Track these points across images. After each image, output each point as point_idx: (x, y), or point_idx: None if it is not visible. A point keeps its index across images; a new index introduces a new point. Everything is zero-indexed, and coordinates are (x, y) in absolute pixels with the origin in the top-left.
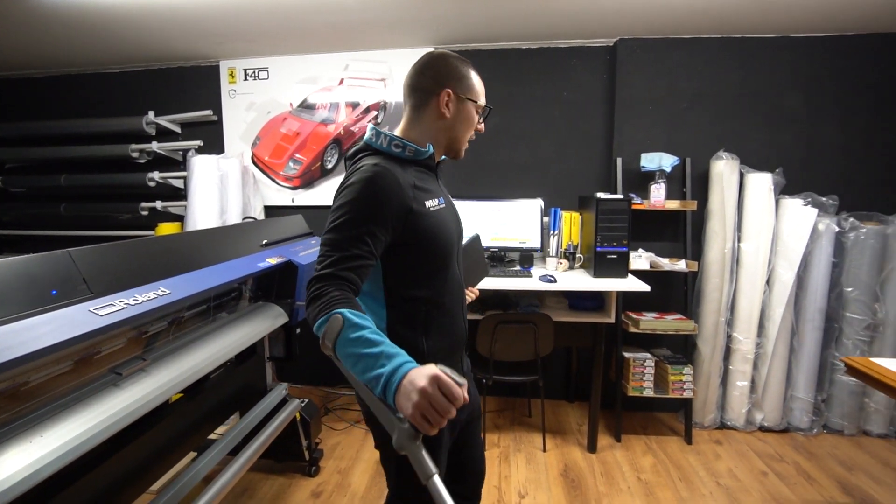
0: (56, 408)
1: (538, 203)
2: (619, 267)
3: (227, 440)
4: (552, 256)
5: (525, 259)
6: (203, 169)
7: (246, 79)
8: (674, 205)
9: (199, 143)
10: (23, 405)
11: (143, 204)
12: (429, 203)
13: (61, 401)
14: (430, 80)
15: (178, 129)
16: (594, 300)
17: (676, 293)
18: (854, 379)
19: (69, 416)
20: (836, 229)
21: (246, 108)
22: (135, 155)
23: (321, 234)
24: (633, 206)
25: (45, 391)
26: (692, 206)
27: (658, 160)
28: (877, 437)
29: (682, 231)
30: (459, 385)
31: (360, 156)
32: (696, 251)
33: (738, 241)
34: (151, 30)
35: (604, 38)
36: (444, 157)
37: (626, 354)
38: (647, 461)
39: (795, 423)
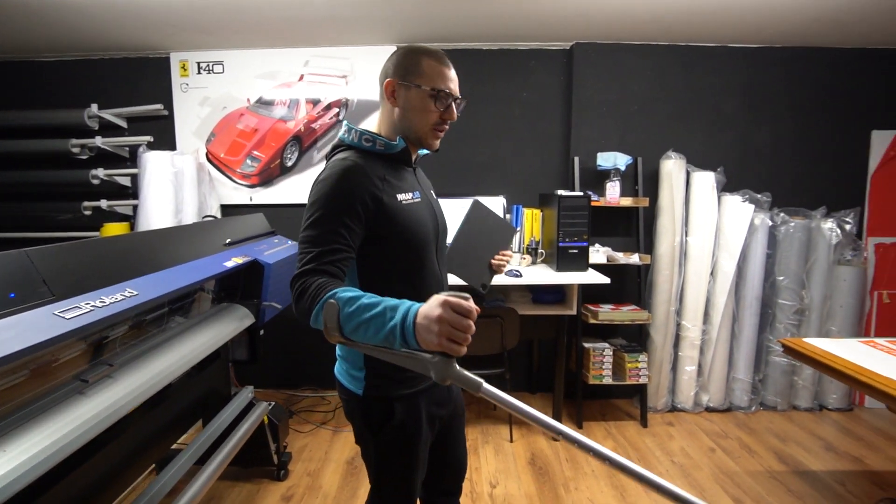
0: (18, 419)
1: (500, 200)
2: (580, 261)
3: (193, 450)
4: (515, 252)
5: None
6: (156, 166)
7: (199, 72)
8: (627, 202)
9: (148, 138)
10: None
11: (86, 203)
12: (401, 196)
13: (24, 411)
14: (382, 73)
15: (123, 124)
16: (556, 293)
17: (631, 285)
18: (787, 359)
19: (35, 427)
20: (770, 223)
21: (199, 102)
22: (76, 150)
23: (298, 232)
24: (593, 203)
25: (3, 402)
26: (644, 202)
27: (613, 159)
28: (804, 411)
29: (635, 226)
30: (466, 300)
31: (334, 152)
32: (648, 245)
33: (686, 235)
34: (93, 16)
35: (561, 41)
36: (424, 151)
37: (586, 345)
38: (608, 445)
39: (737, 402)
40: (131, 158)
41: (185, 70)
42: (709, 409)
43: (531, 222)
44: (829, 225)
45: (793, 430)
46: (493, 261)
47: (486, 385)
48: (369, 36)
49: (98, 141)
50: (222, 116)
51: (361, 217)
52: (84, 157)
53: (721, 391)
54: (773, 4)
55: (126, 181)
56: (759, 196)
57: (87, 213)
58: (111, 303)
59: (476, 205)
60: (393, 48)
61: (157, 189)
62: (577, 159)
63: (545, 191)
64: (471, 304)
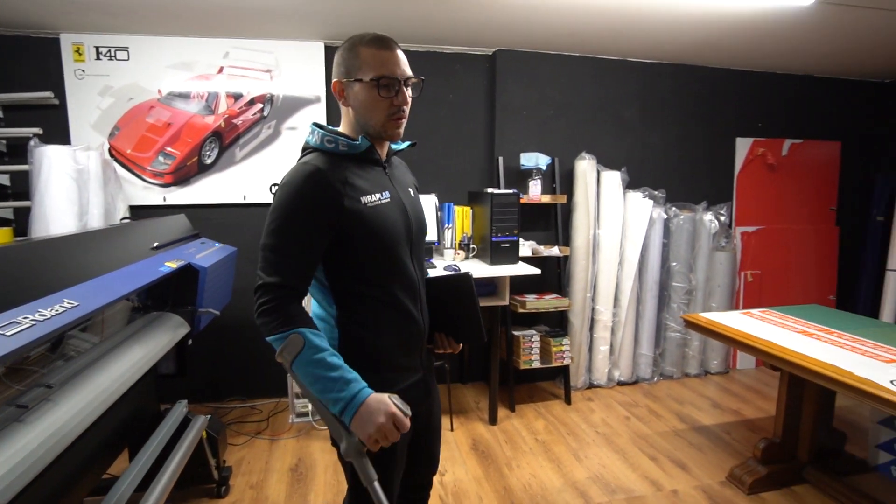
0: None
1: (433, 198)
2: (512, 254)
3: (127, 483)
4: (449, 248)
5: (426, 252)
6: (55, 163)
7: (99, 58)
8: (547, 199)
9: (37, 130)
10: None
11: None
12: (366, 198)
13: None
14: (332, 76)
15: None
16: (489, 286)
17: (551, 275)
18: (680, 334)
19: None
20: (665, 217)
21: (100, 92)
22: None
23: (223, 235)
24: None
25: None
26: (562, 199)
27: (535, 160)
28: (694, 377)
29: (553, 221)
30: (406, 415)
31: (301, 155)
32: (566, 238)
33: (598, 228)
34: None
35: (484, 47)
36: (400, 146)
37: (516, 333)
38: (540, 424)
39: (642, 374)
40: (11, 153)
41: (80, 55)
42: (620, 383)
43: (462, 219)
44: (709, 217)
45: (687, 393)
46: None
47: (377, 483)
48: (295, 30)
49: None
50: (128, 108)
51: (323, 223)
52: None
53: (629, 366)
54: (665, 28)
55: (5, 179)
56: (656, 193)
57: None
58: (52, 315)
59: (462, 278)
60: (320, 44)
61: (56, 189)
62: (501, 159)
63: (473, 189)
64: (407, 422)
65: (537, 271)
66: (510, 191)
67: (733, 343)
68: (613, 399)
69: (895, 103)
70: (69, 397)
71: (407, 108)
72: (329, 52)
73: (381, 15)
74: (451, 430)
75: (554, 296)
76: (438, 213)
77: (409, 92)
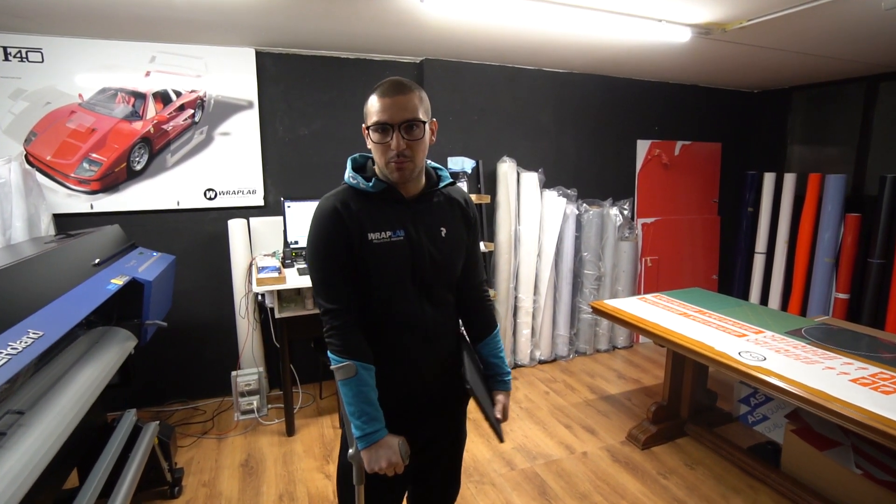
0: None
1: None
2: None
3: (87, 498)
4: None
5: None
6: None
7: (8, 59)
8: (473, 199)
9: None
10: None
11: None
12: (373, 234)
13: None
14: None
15: None
16: None
17: None
18: (591, 315)
19: None
20: (577, 212)
21: (11, 95)
22: None
23: (159, 241)
24: None
25: None
26: (486, 199)
27: (461, 163)
28: (604, 353)
29: (480, 219)
30: (405, 460)
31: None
32: (490, 234)
33: (519, 224)
34: None
35: (412, 55)
36: (434, 188)
37: None
38: (471, 404)
39: (560, 353)
40: None
41: None
42: (541, 362)
43: None
44: (614, 211)
45: (598, 367)
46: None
47: (361, 487)
48: (225, 38)
49: None
50: (46, 113)
51: (343, 253)
52: None
53: (549, 346)
54: (571, 49)
55: None
56: (569, 191)
57: None
58: (24, 348)
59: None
60: (251, 50)
61: None
62: (428, 163)
63: None
64: (402, 467)
65: None
66: None
67: (631, 327)
68: (535, 377)
69: (761, 111)
70: (40, 421)
71: (410, 152)
72: (260, 58)
73: (309, 28)
74: None
75: None
76: None
77: (406, 135)
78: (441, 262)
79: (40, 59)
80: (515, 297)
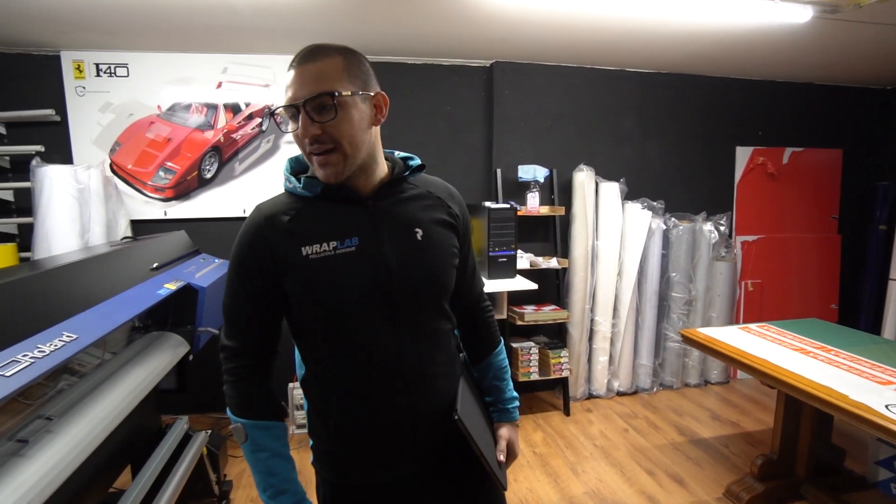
0: None
1: None
2: (509, 268)
3: (132, 499)
4: None
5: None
6: (57, 182)
7: (99, 75)
8: (546, 210)
9: (38, 147)
10: None
11: None
12: (307, 248)
13: None
14: None
15: (2, 130)
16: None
17: (550, 287)
18: (679, 344)
19: None
20: (664, 227)
21: (100, 108)
22: None
23: (223, 249)
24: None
25: None
26: (560, 211)
27: (533, 172)
28: (694, 387)
29: (552, 233)
30: None
31: None
32: (564, 250)
33: (597, 239)
34: None
35: (481, 59)
36: (400, 177)
37: (514, 345)
38: (538, 436)
39: (642, 385)
40: (15, 170)
41: (80, 72)
42: (619, 394)
43: None
44: (708, 227)
45: (686, 404)
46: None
47: None
48: (292, 46)
49: None
50: (129, 124)
51: (255, 278)
52: None
53: (629, 376)
54: (661, 41)
55: (8, 195)
56: (654, 203)
57: None
58: (52, 351)
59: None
60: None
61: (58, 208)
62: (499, 171)
63: (470, 201)
64: None
65: (534, 286)
66: (506, 205)
67: (730, 361)
68: (612, 410)
69: None
70: (69, 428)
71: (329, 137)
72: None
73: (376, 30)
74: None
75: (552, 307)
76: None
77: (316, 116)
78: (419, 276)
79: (126, 74)
80: (592, 320)
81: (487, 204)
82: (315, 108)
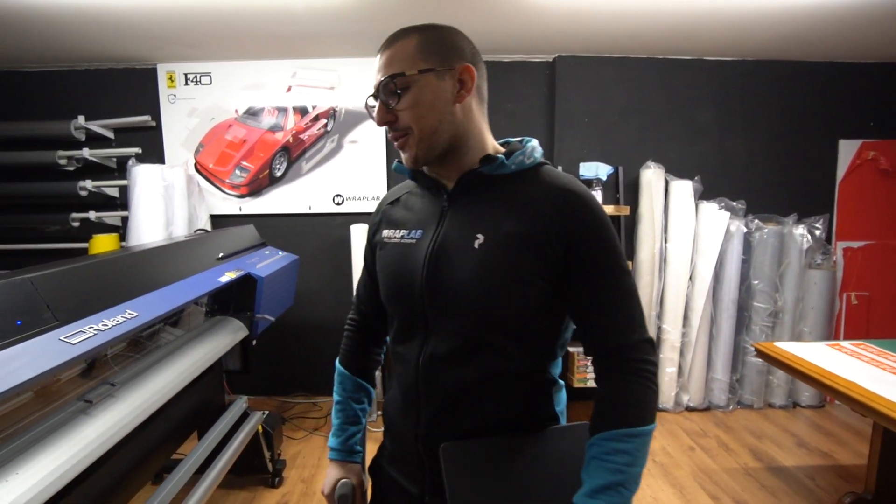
0: (27, 442)
1: None
2: None
3: (191, 462)
4: None
5: None
6: (147, 179)
7: (187, 83)
8: (609, 210)
9: (136, 150)
10: None
11: (74, 214)
12: (388, 231)
13: (31, 434)
14: None
15: (111, 135)
16: None
17: None
18: (762, 360)
19: (43, 449)
20: (745, 230)
21: (188, 113)
22: (62, 162)
23: (287, 242)
24: None
25: (9, 423)
26: (625, 210)
27: (595, 169)
28: (779, 409)
29: (616, 234)
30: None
31: None
32: (629, 252)
33: (666, 241)
34: (76, 29)
35: (543, 54)
36: (473, 170)
37: (571, 349)
38: None
39: (715, 401)
40: (119, 169)
41: (172, 81)
42: (689, 409)
43: None
44: (800, 231)
45: (768, 427)
46: None
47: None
48: (356, 49)
49: (85, 152)
50: (211, 127)
51: (369, 251)
52: (71, 169)
53: (700, 391)
54: (742, 25)
55: (114, 192)
56: (734, 203)
57: (76, 224)
58: (113, 325)
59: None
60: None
61: (147, 203)
62: (560, 169)
63: None
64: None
65: None
66: None
67: (810, 381)
68: (679, 425)
69: None
70: (129, 394)
71: (401, 122)
72: None
73: None
74: None
75: None
76: None
77: (387, 100)
78: (451, 288)
79: (209, 82)
80: (659, 328)
81: None
82: (386, 93)
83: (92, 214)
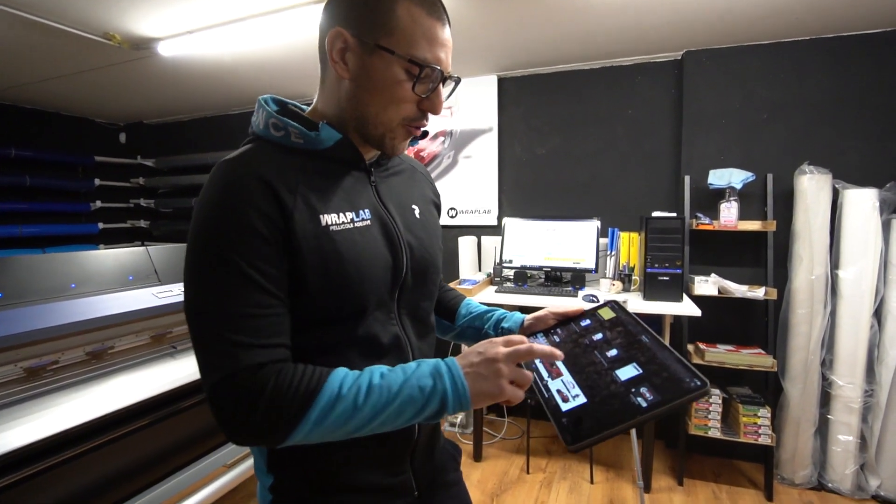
0: (135, 365)
1: (595, 224)
2: (673, 290)
3: None
4: (606, 278)
5: (577, 279)
6: None
7: None
8: (751, 225)
9: None
10: (111, 362)
11: None
12: (329, 217)
13: (138, 360)
14: (325, 17)
15: None
16: (652, 325)
17: (757, 325)
18: None
19: (146, 371)
20: None
21: None
22: None
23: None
24: (702, 227)
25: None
26: (771, 226)
27: (727, 177)
28: None
29: (763, 255)
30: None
31: (242, 144)
32: (780, 277)
33: (834, 266)
34: (255, 75)
35: (669, 51)
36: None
37: (723, 395)
38: None
39: None
40: None
41: None
42: (878, 498)
43: (627, 247)
44: None
45: None
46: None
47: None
48: (468, 67)
49: None
50: None
51: (272, 244)
52: None
53: (895, 474)
54: None
55: None
56: None
57: None
58: None
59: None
60: (493, 77)
61: None
62: (687, 178)
63: (649, 213)
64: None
65: (697, 312)
66: (671, 214)
67: None
68: None
69: None
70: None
71: (428, 122)
72: (502, 83)
73: (552, 36)
74: (591, 482)
75: (756, 350)
76: (602, 238)
77: (445, 94)
78: (426, 256)
79: None
80: (824, 379)
81: (658, 213)
82: (448, 85)
83: None
